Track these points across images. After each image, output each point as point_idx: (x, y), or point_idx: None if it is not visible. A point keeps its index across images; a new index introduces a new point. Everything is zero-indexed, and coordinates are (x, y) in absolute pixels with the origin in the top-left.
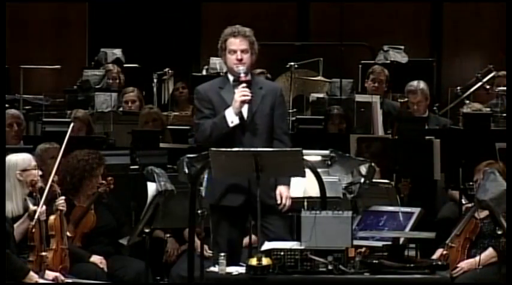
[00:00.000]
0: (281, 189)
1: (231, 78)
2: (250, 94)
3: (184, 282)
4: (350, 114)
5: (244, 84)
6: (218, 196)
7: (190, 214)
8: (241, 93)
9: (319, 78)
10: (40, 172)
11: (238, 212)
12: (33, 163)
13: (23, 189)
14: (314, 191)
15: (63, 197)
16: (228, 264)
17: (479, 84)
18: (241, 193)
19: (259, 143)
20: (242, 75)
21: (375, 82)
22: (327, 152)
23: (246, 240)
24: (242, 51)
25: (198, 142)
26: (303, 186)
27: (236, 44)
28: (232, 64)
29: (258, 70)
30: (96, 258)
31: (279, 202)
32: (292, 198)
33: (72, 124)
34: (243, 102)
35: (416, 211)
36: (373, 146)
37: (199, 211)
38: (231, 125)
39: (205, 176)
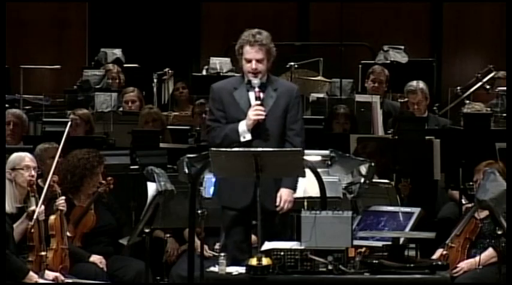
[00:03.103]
0: (282, 192)
1: (246, 78)
2: (264, 113)
3: (184, 282)
4: None
5: (258, 102)
6: (225, 198)
7: (190, 214)
8: (255, 111)
9: (319, 78)
10: (34, 172)
11: (244, 214)
12: (25, 163)
13: (11, 187)
14: (314, 191)
15: (63, 197)
16: (232, 265)
17: (479, 84)
18: (247, 195)
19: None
20: (256, 89)
21: (375, 82)
22: (327, 152)
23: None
24: (258, 61)
25: (210, 145)
26: (303, 186)
27: (252, 53)
28: (247, 72)
29: None
30: (96, 258)
31: (277, 204)
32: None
33: (69, 124)
34: (256, 121)
35: (416, 211)
36: (369, 146)
37: (199, 211)
38: (242, 140)
39: (207, 176)
